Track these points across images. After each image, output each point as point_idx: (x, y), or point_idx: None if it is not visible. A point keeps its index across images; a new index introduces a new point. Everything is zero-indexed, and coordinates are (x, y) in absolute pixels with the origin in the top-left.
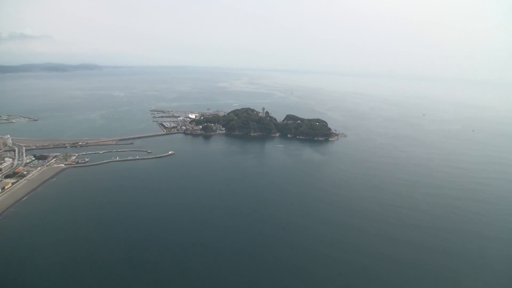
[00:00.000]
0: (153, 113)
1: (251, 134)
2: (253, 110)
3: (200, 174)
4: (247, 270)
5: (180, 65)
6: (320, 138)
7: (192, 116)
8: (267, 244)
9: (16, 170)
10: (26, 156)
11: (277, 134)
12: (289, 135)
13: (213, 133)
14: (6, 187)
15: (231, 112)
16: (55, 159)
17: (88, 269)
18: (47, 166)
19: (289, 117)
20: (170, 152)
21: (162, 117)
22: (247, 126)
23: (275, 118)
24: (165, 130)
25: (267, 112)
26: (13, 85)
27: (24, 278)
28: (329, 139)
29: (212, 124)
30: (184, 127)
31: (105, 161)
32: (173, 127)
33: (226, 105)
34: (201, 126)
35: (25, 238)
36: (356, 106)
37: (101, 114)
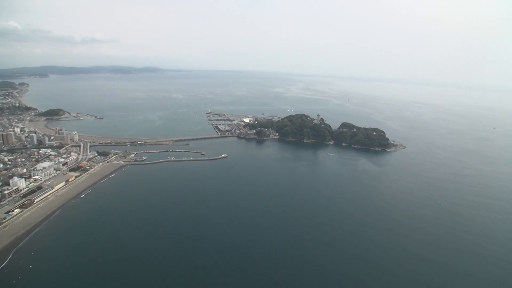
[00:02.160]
0: (209, 116)
1: (305, 140)
2: (307, 117)
3: (251, 179)
4: (297, 276)
5: (238, 69)
6: (377, 149)
7: (247, 120)
8: (307, 251)
9: (80, 165)
10: (90, 152)
11: (331, 142)
12: (343, 144)
13: (266, 138)
14: (70, 180)
15: (285, 117)
16: (115, 156)
17: (137, 262)
18: (108, 162)
19: (344, 125)
20: (223, 155)
21: (218, 120)
22: (301, 132)
23: (330, 126)
24: (219, 133)
25: (322, 119)
26: (83, 86)
27: (76, 266)
28: (386, 150)
29: (266, 129)
30: (238, 131)
31: (161, 160)
32: (228, 131)
33: (281, 110)
34: (254, 131)
35: (82, 228)
36: (417, 116)
37: (160, 115)
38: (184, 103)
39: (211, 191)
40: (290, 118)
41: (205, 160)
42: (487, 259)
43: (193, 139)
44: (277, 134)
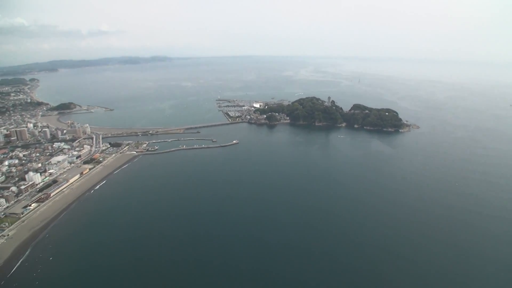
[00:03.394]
0: (219, 103)
1: (316, 124)
2: (318, 99)
3: (263, 165)
4: (303, 267)
5: (246, 55)
6: (390, 129)
7: (257, 105)
8: (321, 242)
9: (93, 157)
10: (102, 144)
11: (343, 125)
12: (355, 126)
13: (277, 122)
14: (84, 172)
15: (296, 101)
16: (128, 146)
17: (155, 250)
18: (120, 153)
19: (356, 106)
20: (234, 141)
21: (228, 106)
22: (312, 115)
23: (341, 108)
24: (230, 120)
25: (333, 101)
26: (92, 78)
27: (94, 257)
28: (400, 131)
29: (276, 114)
30: (249, 117)
31: (173, 149)
32: (238, 117)
33: (291, 94)
34: (265, 116)
35: (98, 220)
36: (431, 95)
37: (170, 104)
38: (193, 91)
39: (224, 178)
40: (301, 101)
41: (216, 147)
42: (507, 241)
43: (204, 127)
44: (288, 118)
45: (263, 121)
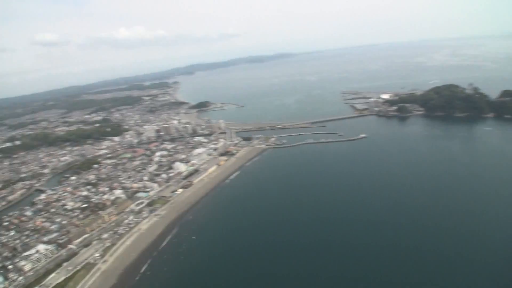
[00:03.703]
0: (344, 95)
1: (456, 114)
2: (457, 87)
3: (394, 160)
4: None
5: (371, 43)
6: None
7: (385, 96)
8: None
9: (227, 149)
10: (235, 138)
11: (491, 115)
12: (506, 116)
13: (409, 114)
14: (220, 164)
15: (430, 90)
16: (257, 140)
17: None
18: (251, 146)
19: (507, 93)
20: (362, 135)
21: (354, 98)
22: (450, 105)
23: (486, 95)
24: (356, 112)
25: (475, 88)
26: (224, 78)
27: (230, 237)
28: None
29: (408, 105)
30: (377, 109)
31: (299, 143)
32: (365, 109)
33: (423, 82)
34: (395, 107)
35: (233, 206)
36: None
37: (295, 98)
38: (318, 84)
39: (352, 172)
40: (436, 90)
41: (343, 141)
42: None
43: (329, 120)
44: (422, 109)
45: (392, 113)
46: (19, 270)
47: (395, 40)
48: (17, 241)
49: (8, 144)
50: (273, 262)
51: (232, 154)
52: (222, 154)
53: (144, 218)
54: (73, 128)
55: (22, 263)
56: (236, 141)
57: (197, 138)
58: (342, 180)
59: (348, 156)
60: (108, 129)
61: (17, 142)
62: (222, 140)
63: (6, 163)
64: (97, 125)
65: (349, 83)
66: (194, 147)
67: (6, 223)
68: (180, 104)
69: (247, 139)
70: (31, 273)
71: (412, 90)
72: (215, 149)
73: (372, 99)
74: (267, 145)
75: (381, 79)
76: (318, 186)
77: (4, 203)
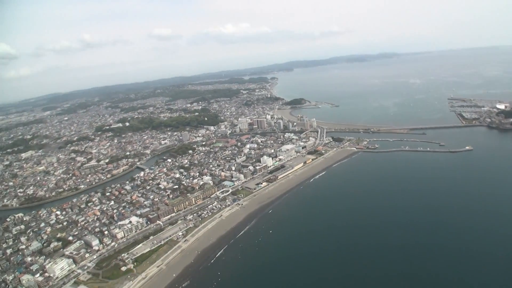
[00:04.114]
0: (451, 102)
1: None
2: None
3: (503, 180)
4: None
5: (491, 45)
6: None
7: (501, 106)
8: None
9: (316, 149)
10: (325, 137)
11: None
12: None
13: None
14: (307, 162)
15: None
16: (348, 142)
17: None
18: (341, 148)
19: None
20: (467, 148)
21: (462, 106)
22: None
23: None
24: (464, 122)
25: None
26: (322, 76)
27: (306, 235)
28: None
29: None
30: (489, 119)
31: (393, 149)
32: (475, 119)
33: None
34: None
35: (314, 205)
36: None
37: (395, 101)
38: (422, 88)
39: (449, 188)
40: None
41: (444, 152)
42: None
43: (430, 128)
44: None
45: (508, 126)
46: (113, 237)
47: None
48: (115, 211)
49: (119, 125)
50: (345, 268)
51: (321, 154)
52: (310, 153)
53: (227, 206)
54: (175, 115)
55: (116, 230)
56: (326, 141)
57: (287, 134)
58: (436, 196)
59: (447, 169)
60: (206, 119)
61: (127, 124)
62: (312, 138)
63: (115, 141)
64: (196, 114)
65: (458, 88)
66: (283, 143)
67: (108, 194)
68: (275, 99)
69: (338, 139)
70: (122, 241)
71: None
72: (304, 147)
73: (484, 108)
74: (358, 148)
75: (498, 86)
76: (406, 198)
77: (109, 175)
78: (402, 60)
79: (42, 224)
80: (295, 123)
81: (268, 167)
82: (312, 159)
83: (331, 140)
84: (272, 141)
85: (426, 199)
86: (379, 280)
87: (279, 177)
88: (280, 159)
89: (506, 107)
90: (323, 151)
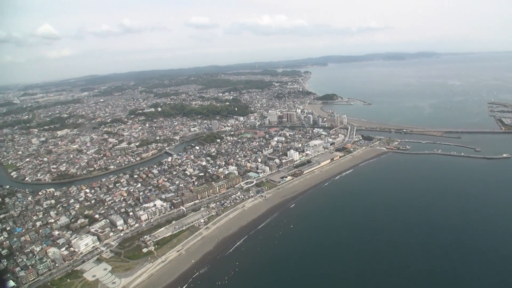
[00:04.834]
0: (491, 106)
1: None
2: None
3: None
4: None
5: None
6: None
7: None
8: None
9: (345, 146)
10: (355, 135)
11: None
12: None
13: None
14: (335, 159)
15: None
16: (378, 141)
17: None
18: (371, 146)
19: None
20: (505, 155)
21: (503, 111)
22: None
23: None
24: (503, 128)
25: None
26: (356, 73)
27: (329, 232)
28: None
29: None
30: None
31: (426, 151)
32: None
33: None
34: None
35: (337, 203)
36: None
37: (431, 103)
38: (460, 90)
39: (481, 195)
40: None
41: (479, 157)
42: None
43: (466, 132)
44: None
45: None
46: (137, 218)
47: None
48: (141, 193)
49: (152, 110)
50: (362, 263)
51: (349, 152)
52: (338, 150)
53: (250, 197)
54: (206, 103)
55: (141, 212)
56: (356, 139)
57: (316, 130)
58: (466, 201)
59: (480, 176)
60: (236, 109)
61: (159, 109)
62: (341, 135)
63: (147, 125)
64: (227, 103)
65: (500, 93)
66: (311, 138)
67: (136, 176)
68: (307, 93)
69: (368, 138)
70: (146, 223)
71: None
72: (332, 143)
73: None
74: (387, 148)
75: None
76: (433, 200)
77: (138, 158)
78: (441, 60)
79: (72, 201)
80: (325, 119)
81: (294, 161)
82: (340, 156)
83: (361, 138)
84: (300, 136)
85: (454, 203)
86: (396, 275)
87: (304, 172)
88: (307, 154)
89: None
90: (351, 149)
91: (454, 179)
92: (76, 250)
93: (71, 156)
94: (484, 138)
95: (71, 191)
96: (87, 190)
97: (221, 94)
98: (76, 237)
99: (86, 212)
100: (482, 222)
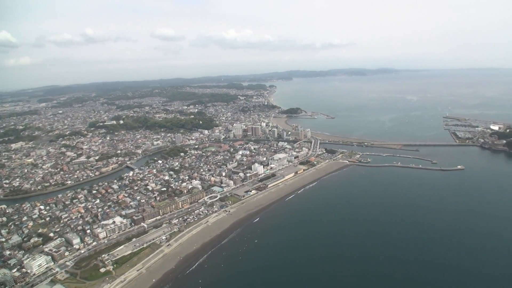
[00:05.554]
0: (446, 120)
1: None
2: None
3: (492, 201)
4: None
5: (493, 67)
6: None
7: (495, 127)
8: None
9: (309, 159)
10: (319, 149)
11: None
12: None
13: None
14: (299, 172)
15: None
16: (341, 154)
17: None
18: (334, 160)
19: None
20: (459, 167)
21: (456, 125)
22: None
23: None
24: (457, 141)
25: None
26: (321, 87)
27: (292, 245)
28: None
29: None
30: (482, 140)
31: (386, 164)
32: (468, 138)
33: None
34: (505, 141)
35: (302, 216)
36: None
37: (391, 117)
38: (418, 105)
39: (438, 206)
40: None
41: (435, 169)
42: None
43: (424, 145)
44: None
45: (501, 147)
46: (95, 236)
47: None
48: (100, 210)
49: (113, 122)
50: (326, 280)
51: (313, 165)
52: (302, 163)
53: (214, 212)
54: (170, 116)
55: (99, 230)
56: (319, 152)
57: (281, 143)
58: (422, 212)
59: (437, 187)
60: (201, 122)
61: (121, 122)
62: (305, 149)
63: (108, 138)
64: (192, 116)
65: (455, 107)
66: (276, 152)
67: (95, 191)
68: (272, 107)
69: (331, 151)
70: (104, 241)
71: None
72: (297, 157)
73: (478, 128)
74: (350, 161)
75: (495, 107)
76: (393, 213)
77: (97, 173)
78: (400, 76)
79: (25, 218)
80: (289, 132)
81: (259, 174)
82: (304, 170)
83: (324, 151)
84: (265, 149)
85: (412, 215)
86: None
87: (269, 186)
88: (271, 168)
89: (500, 128)
90: (315, 162)
91: (413, 191)
92: (29, 271)
93: (26, 170)
94: (440, 151)
95: (25, 207)
96: (42, 207)
97: (186, 107)
98: (28, 257)
99: (40, 230)
100: (437, 233)
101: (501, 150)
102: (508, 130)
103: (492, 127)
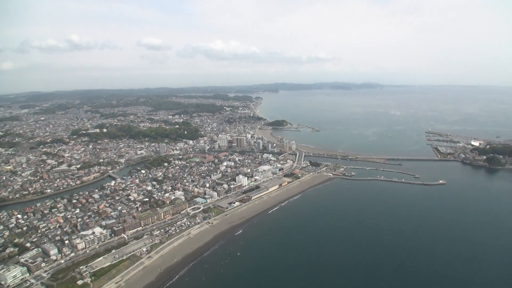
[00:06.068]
0: (428, 135)
1: None
2: None
3: (472, 216)
4: None
5: (472, 84)
6: None
7: (475, 143)
8: None
9: (293, 172)
10: (303, 161)
11: None
12: None
13: (501, 167)
14: (283, 184)
15: None
16: (325, 167)
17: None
18: (318, 172)
19: None
20: (441, 181)
21: (438, 140)
22: None
23: None
24: (439, 156)
25: None
26: (306, 100)
27: (275, 259)
28: None
29: (501, 156)
30: (463, 155)
31: (369, 178)
32: (450, 154)
33: None
34: (485, 157)
35: (285, 228)
36: None
37: (375, 131)
38: (401, 119)
39: (419, 216)
40: None
41: (418, 184)
42: None
43: (407, 160)
44: None
45: (481, 163)
46: (73, 247)
47: (499, 83)
48: (79, 220)
49: (96, 130)
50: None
51: (297, 177)
52: (287, 175)
53: (196, 223)
54: (155, 125)
55: (78, 240)
56: (304, 165)
57: (266, 155)
58: (405, 227)
59: (419, 201)
60: (186, 132)
61: (104, 130)
62: (290, 161)
63: (90, 146)
64: (177, 126)
65: (437, 123)
66: (261, 163)
67: (75, 201)
68: (257, 119)
69: (315, 164)
70: (83, 252)
71: (509, 141)
72: (281, 169)
73: (459, 144)
74: (334, 174)
75: (475, 123)
76: (377, 227)
77: (78, 182)
78: (384, 91)
79: (1, 227)
80: (274, 144)
81: (243, 186)
82: (288, 182)
83: (309, 164)
84: (249, 161)
85: (395, 225)
86: None
87: (252, 198)
88: (255, 179)
89: (480, 144)
90: (299, 175)
91: (395, 204)
92: (3, 283)
93: (4, 178)
94: (423, 165)
95: (1, 216)
96: (19, 216)
97: (171, 117)
98: (3, 268)
99: (16, 240)
100: (417, 241)
101: (482, 166)
102: (488, 146)
103: (473, 142)
